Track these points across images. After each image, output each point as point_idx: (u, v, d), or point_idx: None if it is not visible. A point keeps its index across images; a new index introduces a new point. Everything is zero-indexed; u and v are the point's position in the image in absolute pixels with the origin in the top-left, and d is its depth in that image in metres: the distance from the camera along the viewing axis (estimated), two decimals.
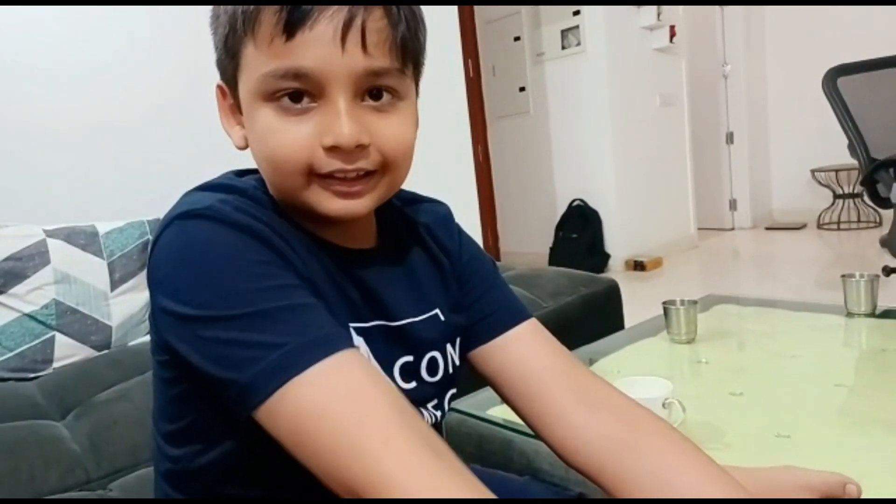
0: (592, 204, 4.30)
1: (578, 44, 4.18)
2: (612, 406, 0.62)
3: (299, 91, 0.50)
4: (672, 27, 4.32)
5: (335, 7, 0.48)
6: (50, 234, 1.55)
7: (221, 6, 0.53)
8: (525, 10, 4.44)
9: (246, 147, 0.57)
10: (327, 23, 0.48)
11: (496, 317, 0.68)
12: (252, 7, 0.49)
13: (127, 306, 1.60)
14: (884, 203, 2.51)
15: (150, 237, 1.69)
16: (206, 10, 0.55)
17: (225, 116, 0.59)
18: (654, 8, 4.19)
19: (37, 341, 1.46)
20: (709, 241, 5.06)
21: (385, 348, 0.59)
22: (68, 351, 1.49)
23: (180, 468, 0.59)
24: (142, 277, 1.63)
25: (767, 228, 5.34)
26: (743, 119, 5.36)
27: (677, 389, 0.93)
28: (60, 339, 1.48)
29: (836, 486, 0.66)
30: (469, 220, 2.96)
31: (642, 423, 0.60)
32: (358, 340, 0.57)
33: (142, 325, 1.63)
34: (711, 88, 5.41)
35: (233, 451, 0.55)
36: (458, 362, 0.66)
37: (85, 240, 1.59)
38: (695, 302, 1.34)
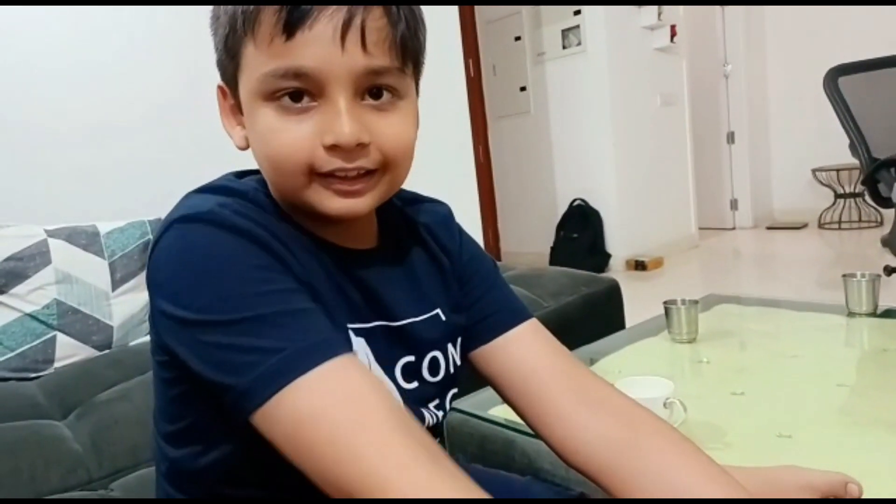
0: (593, 203, 4.30)
1: (579, 43, 4.18)
2: (613, 406, 0.62)
3: (299, 90, 0.50)
4: (673, 27, 4.32)
5: (334, 6, 0.48)
6: (51, 234, 1.56)
7: (221, 7, 0.53)
8: (526, 9, 4.44)
9: (247, 147, 0.57)
10: (327, 22, 0.48)
11: (497, 317, 0.68)
12: (252, 7, 0.49)
13: (128, 306, 1.60)
14: (885, 202, 2.51)
15: (151, 237, 1.69)
16: (206, 11, 0.55)
17: (226, 117, 0.59)
18: (654, 8, 4.19)
19: (38, 341, 1.46)
20: (710, 240, 5.06)
21: (386, 348, 0.59)
22: (69, 351, 1.49)
23: (181, 468, 0.59)
24: (143, 277, 1.63)
25: (768, 228, 5.34)
26: (744, 118, 5.35)
27: (678, 389, 0.93)
28: (62, 338, 1.48)
29: (838, 486, 0.66)
30: (470, 220, 2.96)
31: (642, 424, 0.60)
32: (359, 341, 0.57)
33: (143, 324, 1.63)
34: (712, 88, 5.41)
35: (233, 453, 0.54)
36: (459, 362, 0.66)
37: (86, 240, 1.59)
38: (696, 302, 1.34)
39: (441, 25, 2.94)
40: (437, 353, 0.64)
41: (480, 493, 0.44)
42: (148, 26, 2.10)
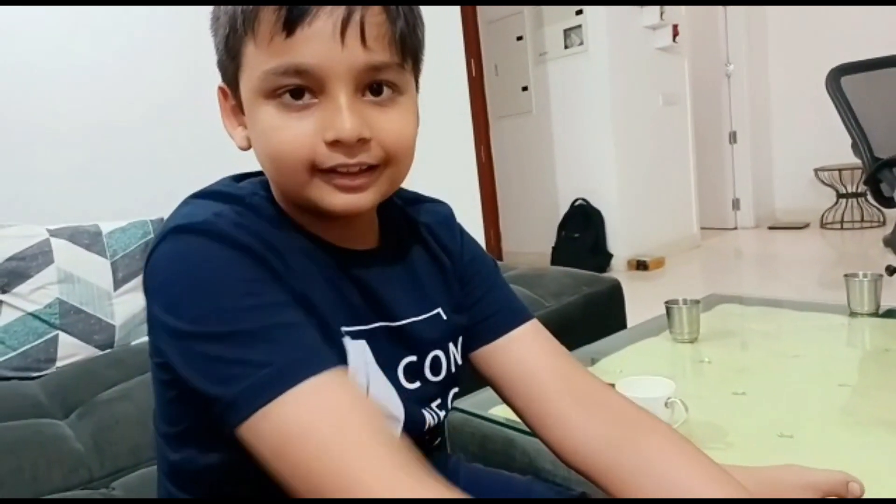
0: (595, 203, 4.29)
1: (581, 43, 4.18)
2: (611, 407, 0.62)
3: (300, 87, 0.50)
4: (675, 26, 4.32)
5: (333, 5, 0.48)
6: (53, 233, 1.56)
7: (221, 7, 0.53)
8: (528, 9, 4.43)
9: (248, 148, 0.57)
10: (326, 18, 0.48)
11: (497, 318, 0.68)
12: (252, 6, 0.50)
13: (130, 305, 1.60)
14: (887, 202, 2.51)
15: (153, 236, 1.69)
16: (206, 11, 0.55)
17: (227, 118, 0.59)
18: (656, 7, 4.19)
19: (40, 340, 1.46)
20: (711, 240, 5.05)
21: (388, 349, 0.59)
22: (71, 350, 1.49)
23: (182, 468, 0.59)
24: None
25: (770, 228, 5.33)
26: (746, 118, 5.35)
27: (680, 389, 0.93)
28: (64, 338, 1.49)
29: (839, 485, 0.66)
30: (471, 220, 2.96)
31: (641, 424, 0.60)
32: (360, 343, 0.57)
33: (145, 324, 1.62)
34: (714, 88, 5.40)
35: (233, 454, 0.54)
36: (460, 361, 0.67)
37: (88, 239, 1.60)
38: (697, 301, 1.34)
39: (443, 25, 2.94)
40: (439, 353, 0.64)
41: (462, 496, 0.44)
42: (148, 26, 2.10)
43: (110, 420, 1.13)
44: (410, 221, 0.67)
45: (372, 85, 0.52)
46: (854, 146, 2.61)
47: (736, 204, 5.51)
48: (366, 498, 0.42)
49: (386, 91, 0.53)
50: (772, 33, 5.42)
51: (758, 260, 4.54)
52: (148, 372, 1.25)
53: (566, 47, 4.27)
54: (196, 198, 0.56)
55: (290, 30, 0.48)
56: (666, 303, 1.35)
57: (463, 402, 1.07)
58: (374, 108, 0.52)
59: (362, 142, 0.51)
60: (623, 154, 4.20)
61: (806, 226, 5.19)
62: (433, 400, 0.64)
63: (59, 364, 1.47)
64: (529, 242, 4.69)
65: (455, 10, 3.02)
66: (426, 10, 0.56)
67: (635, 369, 1.19)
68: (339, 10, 0.48)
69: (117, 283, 1.59)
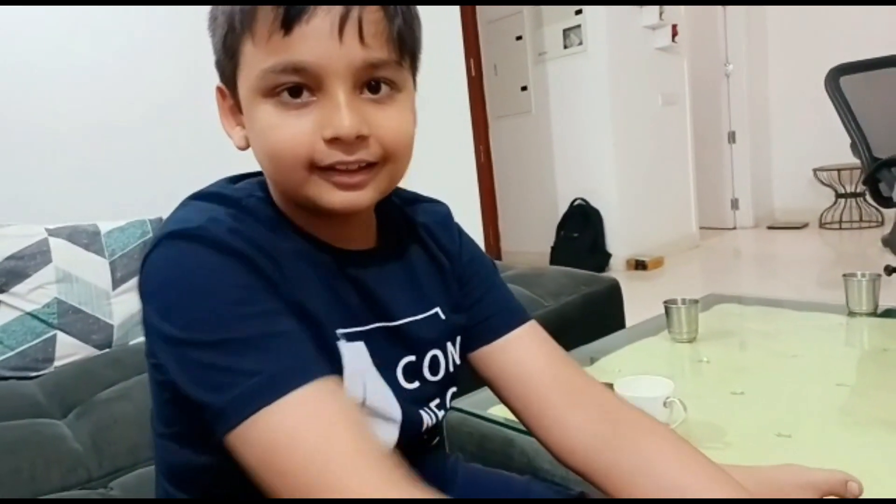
0: (594, 203, 4.29)
1: (580, 43, 4.18)
2: (608, 408, 0.62)
3: (298, 85, 0.50)
4: (674, 26, 4.32)
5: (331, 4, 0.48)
6: (52, 233, 1.56)
7: (219, 7, 0.53)
8: (527, 9, 4.43)
9: (247, 147, 0.57)
10: (324, 16, 0.48)
11: (496, 319, 0.68)
12: (249, 5, 0.50)
13: (128, 305, 1.60)
14: (886, 202, 2.51)
15: (152, 236, 1.69)
16: (205, 11, 0.55)
17: (225, 118, 0.59)
18: (656, 7, 4.19)
19: (38, 340, 1.46)
20: (710, 240, 5.05)
21: (387, 349, 0.59)
22: (70, 350, 1.49)
23: (179, 468, 0.59)
24: None
25: (769, 228, 5.33)
26: (745, 118, 5.35)
27: (678, 389, 0.93)
28: (62, 337, 1.49)
29: (838, 485, 0.66)
30: (470, 220, 2.96)
31: (638, 425, 0.60)
32: (358, 345, 0.57)
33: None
34: (713, 88, 5.40)
35: (227, 458, 0.54)
36: (458, 361, 0.67)
37: (87, 239, 1.59)
38: (696, 301, 1.34)
39: (442, 25, 2.94)
40: (437, 352, 0.64)
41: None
42: (148, 26, 2.10)
43: (108, 420, 1.13)
44: (409, 221, 0.67)
45: (370, 82, 0.52)
46: (853, 146, 2.62)
47: (735, 204, 5.51)
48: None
49: (384, 88, 0.53)
50: (771, 33, 5.42)
51: (756, 260, 4.54)
52: (146, 372, 1.26)
53: (565, 47, 4.27)
54: (194, 199, 0.56)
55: (288, 28, 0.48)
56: (665, 302, 1.35)
57: (461, 402, 1.07)
58: (373, 105, 0.52)
59: (361, 139, 0.51)
60: (622, 154, 4.21)
61: (805, 226, 5.19)
62: (432, 400, 0.63)
63: (57, 364, 1.46)
64: (528, 242, 4.69)
65: (454, 10, 3.02)
66: (425, 10, 0.56)
67: (634, 369, 1.19)
68: (337, 8, 0.48)
69: (116, 283, 1.59)
